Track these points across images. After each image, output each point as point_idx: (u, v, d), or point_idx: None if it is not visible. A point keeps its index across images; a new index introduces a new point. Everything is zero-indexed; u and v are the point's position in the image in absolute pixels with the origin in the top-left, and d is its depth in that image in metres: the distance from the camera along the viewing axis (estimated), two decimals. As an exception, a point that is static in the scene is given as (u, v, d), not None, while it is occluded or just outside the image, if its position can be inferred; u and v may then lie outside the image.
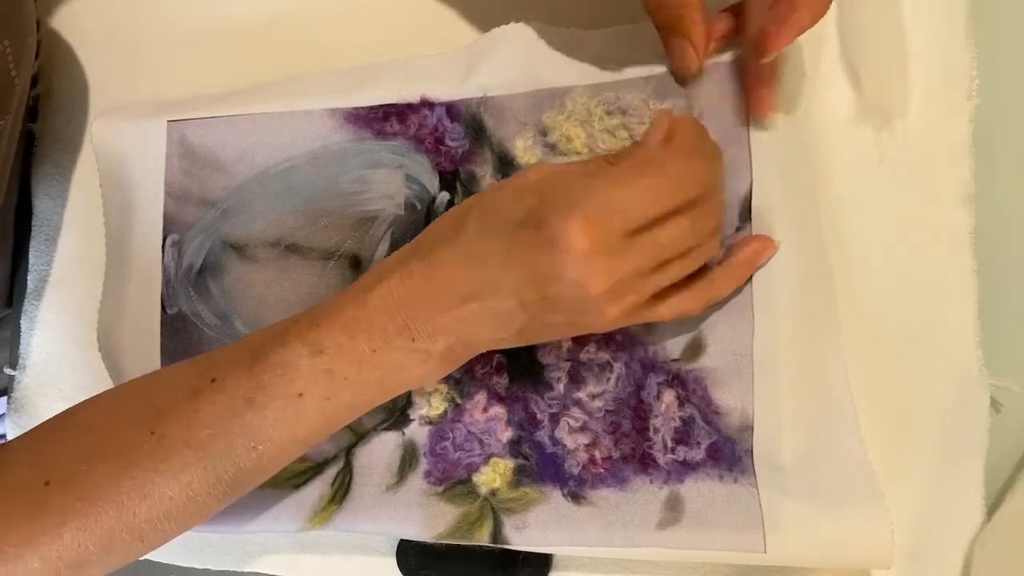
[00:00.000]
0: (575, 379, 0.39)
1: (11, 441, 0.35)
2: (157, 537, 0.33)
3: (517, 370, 0.39)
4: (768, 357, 0.37)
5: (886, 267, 0.39)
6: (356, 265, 0.41)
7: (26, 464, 0.33)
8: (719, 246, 0.36)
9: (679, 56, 0.37)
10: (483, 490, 0.39)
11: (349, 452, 0.40)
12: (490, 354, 0.39)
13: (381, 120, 0.41)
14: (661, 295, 0.34)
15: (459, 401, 0.40)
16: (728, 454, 0.37)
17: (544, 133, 0.40)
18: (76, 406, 0.35)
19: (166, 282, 0.43)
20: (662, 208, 0.31)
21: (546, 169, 0.33)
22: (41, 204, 0.48)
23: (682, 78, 0.38)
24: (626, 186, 0.31)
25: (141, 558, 0.34)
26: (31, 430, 0.35)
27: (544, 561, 0.41)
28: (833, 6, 0.39)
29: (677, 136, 0.33)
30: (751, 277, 0.37)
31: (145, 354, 0.43)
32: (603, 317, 0.32)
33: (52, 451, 0.33)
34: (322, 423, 0.34)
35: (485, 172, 0.40)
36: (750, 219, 0.37)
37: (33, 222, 0.48)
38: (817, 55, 0.40)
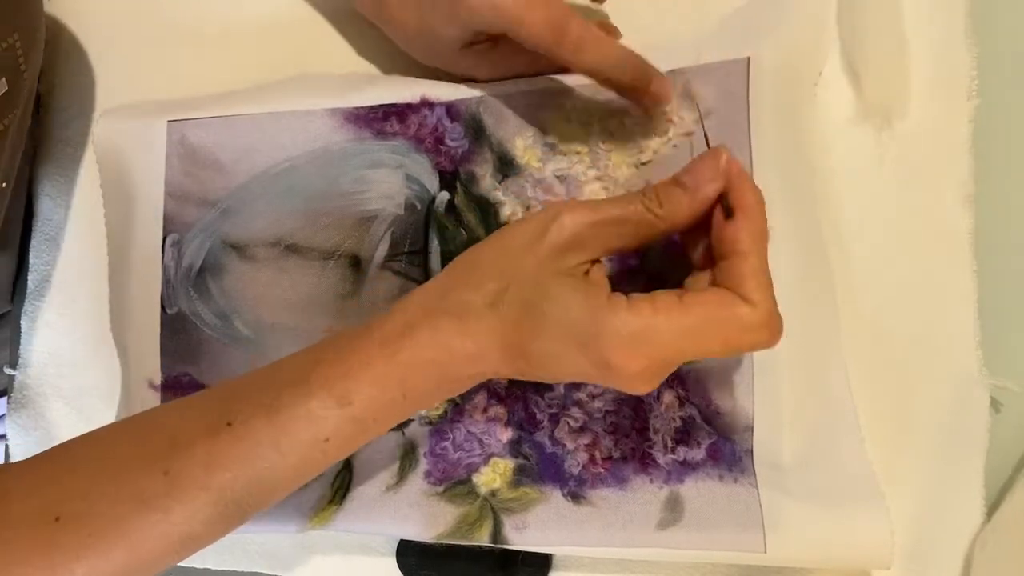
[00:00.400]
0: (575, 379, 0.39)
1: (16, 468, 0.33)
2: (171, 563, 0.32)
3: (517, 370, 0.39)
4: (768, 357, 0.37)
5: (886, 267, 0.39)
6: (356, 265, 0.41)
7: (35, 496, 0.32)
8: None
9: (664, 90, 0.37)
10: (483, 490, 0.39)
11: (349, 452, 0.40)
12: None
13: (381, 120, 0.41)
14: None
15: (459, 401, 0.40)
16: (728, 454, 0.37)
17: (544, 133, 0.40)
18: (82, 437, 0.34)
19: (166, 282, 0.43)
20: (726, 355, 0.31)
21: (584, 234, 0.31)
22: (41, 204, 0.48)
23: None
24: (699, 344, 0.29)
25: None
26: (38, 457, 0.34)
27: (544, 561, 0.41)
28: (834, 6, 0.40)
29: (762, 265, 0.30)
30: None
31: (145, 354, 0.43)
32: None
33: (60, 486, 0.32)
34: (347, 453, 0.33)
35: (485, 172, 0.40)
36: (750, 219, 0.37)
37: (33, 222, 0.48)
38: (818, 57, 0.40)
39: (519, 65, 0.39)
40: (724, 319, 0.29)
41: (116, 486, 0.31)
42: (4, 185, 0.42)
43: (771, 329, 0.30)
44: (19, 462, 0.34)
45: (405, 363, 0.31)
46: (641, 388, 0.30)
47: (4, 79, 0.38)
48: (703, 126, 0.37)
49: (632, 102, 0.37)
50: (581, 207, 0.31)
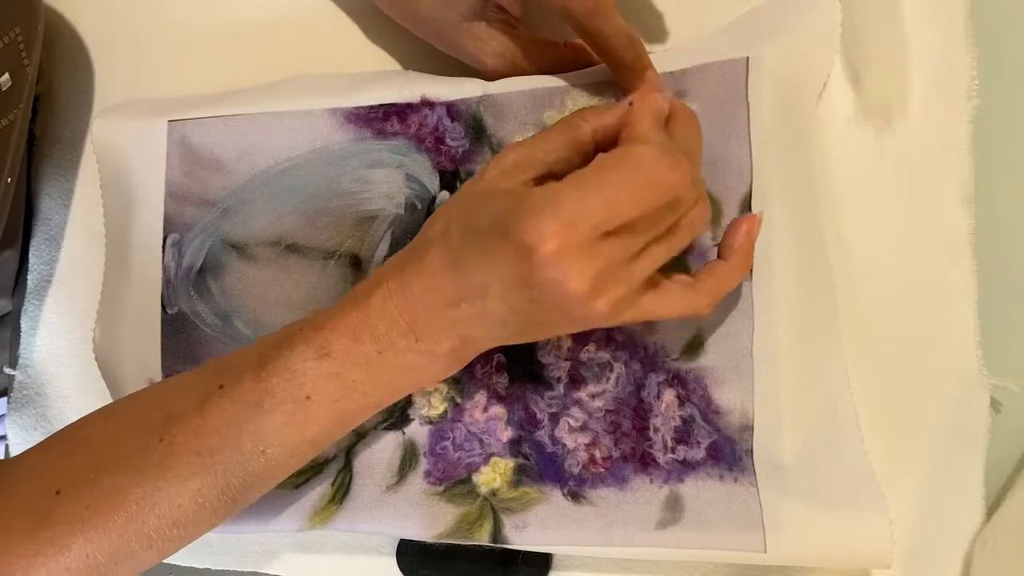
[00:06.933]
0: (575, 378, 0.39)
1: (23, 454, 0.35)
2: (167, 546, 0.33)
3: (517, 370, 0.39)
4: (768, 357, 0.37)
5: (886, 267, 0.39)
6: (356, 265, 0.41)
7: (36, 476, 0.33)
8: (709, 225, 0.37)
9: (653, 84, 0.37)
10: (483, 490, 0.39)
11: (349, 452, 0.40)
12: (490, 354, 0.39)
13: (381, 120, 0.41)
14: (661, 290, 0.32)
15: (459, 401, 0.40)
16: (728, 454, 0.37)
17: (544, 133, 0.40)
18: (86, 417, 0.35)
19: (166, 282, 0.43)
20: (640, 211, 0.29)
21: (520, 157, 0.33)
22: (41, 203, 0.48)
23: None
24: (600, 191, 0.29)
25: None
26: (42, 442, 0.35)
27: (544, 561, 0.41)
28: (839, 15, 0.40)
29: (656, 126, 0.31)
30: (750, 272, 0.37)
31: (145, 354, 0.43)
32: (594, 312, 0.30)
33: (62, 462, 0.33)
34: (333, 424, 0.33)
35: (485, 172, 0.40)
36: (750, 219, 0.37)
37: (33, 221, 0.48)
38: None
39: (528, 54, 0.40)
40: (622, 161, 0.30)
41: (116, 457, 0.32)
42: (10, 180, 0.42)
43: (671, 163, 0.30)
44: (34, 446, 0.35)
45: (376, 310, 0.32)
46: (571, 279, 0.29)
47: (8, 74, 0.39)
48: None
49: (622, 84, 0.38)
50: (519, 142, 0.33)
